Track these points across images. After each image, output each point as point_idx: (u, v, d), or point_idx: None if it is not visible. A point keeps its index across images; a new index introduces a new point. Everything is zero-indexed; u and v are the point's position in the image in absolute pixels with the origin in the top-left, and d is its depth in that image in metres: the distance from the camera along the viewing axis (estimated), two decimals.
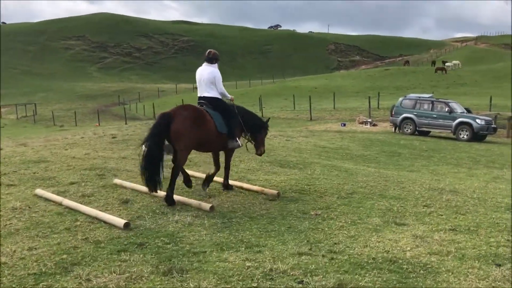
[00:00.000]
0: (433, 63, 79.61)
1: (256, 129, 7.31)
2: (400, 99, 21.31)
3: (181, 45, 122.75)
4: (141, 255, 4.20)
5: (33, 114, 51.47)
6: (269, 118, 8.25)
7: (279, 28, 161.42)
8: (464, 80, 59.44)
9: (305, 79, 74.04)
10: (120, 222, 5.02)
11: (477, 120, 18.30)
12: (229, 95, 7.02)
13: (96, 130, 19.32)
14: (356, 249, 4.52)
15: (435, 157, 13.22)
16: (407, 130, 19.90)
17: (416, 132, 19.84)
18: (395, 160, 12.31)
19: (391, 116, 20.93)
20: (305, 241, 4.78)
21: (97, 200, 6.23)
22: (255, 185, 7.40)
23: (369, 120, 27.20)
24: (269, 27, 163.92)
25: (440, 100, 20.17)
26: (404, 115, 20.04)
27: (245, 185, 7.24)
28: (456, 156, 13.74)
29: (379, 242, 4.75)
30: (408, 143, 16.12)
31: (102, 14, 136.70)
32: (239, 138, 6.95)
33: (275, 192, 6.78)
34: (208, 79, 6.82)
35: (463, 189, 8.09)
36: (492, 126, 18.87)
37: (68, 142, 13.03)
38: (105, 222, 5.18)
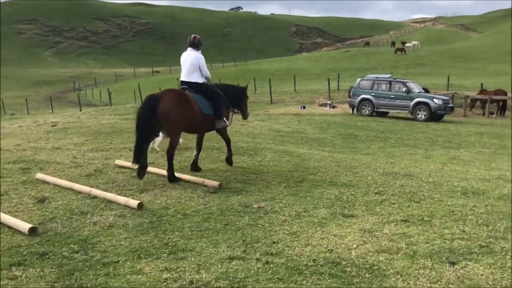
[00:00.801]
0: (393, 44, 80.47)
1: (239, 99, 7.64)
2: (358, 80, 20.97)
3: (140, 28, 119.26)
4: (39, 269, 3.51)
5: None
6: (247, 84, 9.08)
7: (240, 10, 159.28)
8: (422, 60, 60.29)
9: (267, 61, 73.39)
10: (25, 227, 4.29)
11: (434, 100, 18.17)
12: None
13: (37, 118, 18.12)
14: (296, 248, 3.99)
15: (392, 139, 12.92)
16: (365, 112, 19.61)
17: (374, 113, 19.61)
18: (350, 143, 11.91)
19: (349, 98, 20.60)
20: (241, 241, 4.20)
21: (10, 199, 5.45)
22: (197, 175, 6.77)
23: (329, 102, 26.90)
24: (230, 9, 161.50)
25: (397, 80, 19.93)
26: (362, 96, 19.72)
27: (185, 176, 6.59)
28: (413, 137, 13.49)
29: (322, 239, 4.23)
30: (365, 124, 15.80)
31: None
32: (226, 118, 7.24)
33: (216, 183, 6.17)
34: (192, 64, 7.05)
35: (418, 172, 7.71)
36: (450, 105, 18.80)
37: (2, 132, 11.97)
38: (9, 227, 4.43)
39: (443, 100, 18.65)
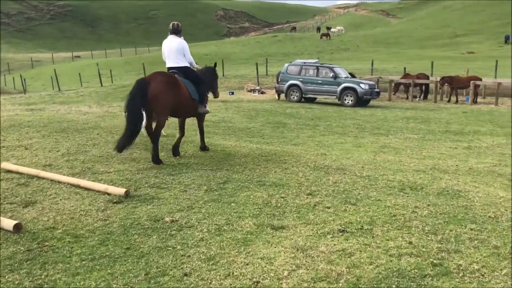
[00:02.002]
0: (318, 29, 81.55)
1: (212, 80, 7.99)
2: (286, 65, 20.43)
3: (58, 10, 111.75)
4: None
5: None
6: (216, 62, 8.88)
7: None
8: (347, 45, 61.56)
9: (195, 46, 71.39)
10: None
11: (361, 85, 18.04)
12: (196, 64, 7.60)
13: None
14: (213, 282, 3.14)
15: (320, 126, 12.44)
16: (294, 98, 19.16)
17: (303, 100, 19.22)
18: (279, 132, 11.25)
19: (277, 83, 20.02)
20: (143, 274, 3.29)
21: None
22: (100, 181, 5.71)
23: (257, 88, 26.30)
24: None
25: (324, 65, 19.62)
26: (290, 82, 19.24)
27: (83, 183, 5.51)
28: (341, 123, 13.12)
29: (247, 264, 3.42)
30: (294, 111, 15.28)
31: None
32: (207, 104, 7.66)
33: (122, 190, 5.16)
34: (177, 49, 7.27)
35: (351, 165, 7.15)
36: (376, 90, 18.80)
37: None
38: None
39: (369, 85, 18.58)
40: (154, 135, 6.77)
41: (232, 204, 4.94)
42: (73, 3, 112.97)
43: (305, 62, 20.21)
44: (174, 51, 7.25)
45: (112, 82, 35.80)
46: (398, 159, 8.03)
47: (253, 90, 25.48)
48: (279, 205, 4.90)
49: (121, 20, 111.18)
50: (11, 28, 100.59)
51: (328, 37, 67.05)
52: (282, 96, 20.40)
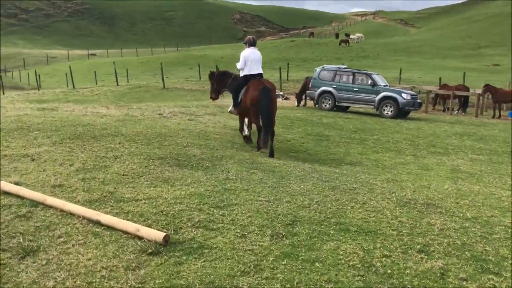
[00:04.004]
0: (336, 35, 79.93)
1: None
2: (318, 70, 18.88)
3: (75, 8, 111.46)
4: None
5: None
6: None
7: None
8: (366, 52, 59.95)
9: (210, 48, 70.39)
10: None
11: (402, 95, 16.44)
12: None
13: None
14: None
15: (369, 141, 10.90)
16: (325, 106, 17.61)
17: (335, 108, 17.68)
18: (325, 146, 9.73)
19: (309, 90, 18.47)
20: None
21: None
22: (127, 214, 4.23)
23: (281, 93, 24.80)
24: None
25: (362, 71, 18.06)
26: (323, 88, 17.70)
27: (105, 218, 4.02)
28: (390, 138, 11.56)
29: None
30: (332, 121, 13.74)
31: None
32: None
33: (159, 235, 3.67)
34: (259, 60, 8.75)
35: (439, 198, 5.63)
36: (418, 101, 17.20)
37: None
38: None
39: (411, 95, 16.99)
40: (270, 135, 8.13)
41: (317, 264, 3.44)
42: (90, 2, 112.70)
43: (339, 68, 18.66)
44: (258, 61, 8.70)
45: (127, 82, 34.56)
46: (487, 191, 6.47)
47: (277, 96, 24.00)
48: (388, 271, 3.38)
49: (137, 20, 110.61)
50: (29, 24, 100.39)
51: (347, 43, 65.57)
52: (300, 102, 19.09)
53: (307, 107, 18.84)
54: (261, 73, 8.69)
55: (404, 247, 3.87)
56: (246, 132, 9.21)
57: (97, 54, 72.96)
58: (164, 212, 4.36)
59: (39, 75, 38.35)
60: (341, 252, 3.68)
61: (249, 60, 8.58)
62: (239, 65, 8.75)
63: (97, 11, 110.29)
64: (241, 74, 8.81)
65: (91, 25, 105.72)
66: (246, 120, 9.20)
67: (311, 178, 6.17)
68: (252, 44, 8.74)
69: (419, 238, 4.07)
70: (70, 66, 37.54)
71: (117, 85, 31.54)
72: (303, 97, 19.37)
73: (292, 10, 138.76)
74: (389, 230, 4.26)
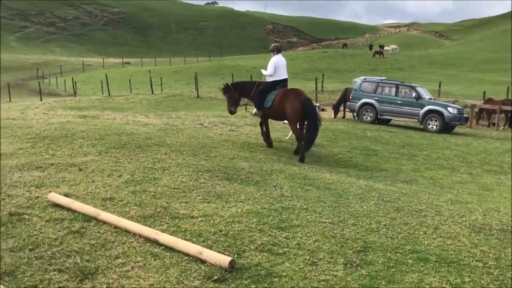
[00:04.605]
0: (370, 46, 78.95)
1: None
2: (359, 81, 18.39)
3: (111, 17, 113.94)
4: None
5: None
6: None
7: (216, 5, 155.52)
8: (401, 64, 58.88)
9: (243, 58, 70.53)
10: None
11: (448, 109, 15.78)
12: None
13: None
14: None
15: (418, 157, 10.38)
16: (367, 118, 17.09)
17: (376, 121, 17.13)
18: (374, 162, 9.28)
19: (349, 101, 18.00)
20: None
21: None
22: (185, 233, 3.93)
23: (317, 104, 24.33)
24: (206, 3, 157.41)
25: (405, 84, 17.48)
26: (364, 100, 17.21)
27: (163, 238, 3.72)
28: (441, 154, 11.00)
29: None
30: (376, 135, 13.25)
31: None
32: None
33: (225, 260, 3.35)
34: (285, 65, 9.22)
35: None
36: (464, 115, 16.50)
37: None
38: None
39: (457, 109, 16.30)
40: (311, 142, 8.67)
41: None
42: (126, 11, 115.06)
43: (382, 79, 18.13)
44: (284, 67, 9.14)
45: (161, 91, 34.82)
46: None
47: None
48: None
49: (171, 30, 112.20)
50: (66, 33, 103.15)
51: (382, 55, 64.57)
52: (337, 114, 18.62)
53: (346, 119, 18.37)
54: (287, 78, 9.18)
55: (496, 283, 3.43)
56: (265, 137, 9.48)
57: (131, 63, 74.16)
58: (223, 232, 4.04)
59: (75, 82, 39.06)
60: (427, 286, 3.28)
61: (278, 66, 8.98)
62: (268, 71, 9.06)
63: (132, 21, 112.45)
64: (269, 79, 9.15)
65: (126, 34, 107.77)
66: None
67: (371, 198, 5.76)
68: (279, 51, 9.26)
69: (510, 272, 3.62)
70: (106, 74, 38.10)
71: (152, 93, 31.76)
72: (341, 108, 18.92)
73: (324, 21, 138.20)
74: (472, 261, 3.82)
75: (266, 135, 9.39)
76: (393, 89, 17.08)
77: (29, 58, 74.89)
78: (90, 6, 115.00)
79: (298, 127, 8.66)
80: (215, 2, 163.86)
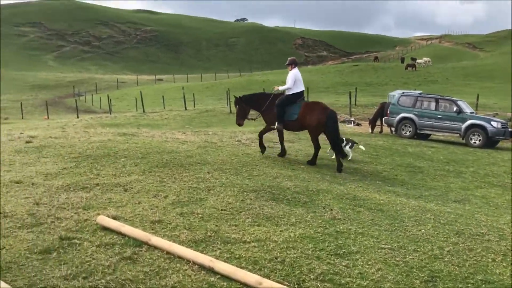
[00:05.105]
0: (402, 59, 77.83)
1: None
2: (397, 95, 17.99)
3: (144, 35, 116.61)
4: None
5: None
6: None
7: (245, 22, 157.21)
8: (435, 77, 57.70)
9: (273, 73, 70.65)
10: None
11: (492, 123, 15.21)
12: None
13: (13, 131, 15.11)
14: None
15: (466, 174, 9.94)
16: (406, 133, 16.65)
17: (415, 136, 16.65)
18: (421, 180, 8.92)
19: (386, 116, 17.60)
20: None
21: None
22: (239, 260, 3.75)
23: (352, 119, 24.02)
24: (235, 20, 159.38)
25: (446, 97, 16.99)
26: (402, 114, 16.79)
27: (219, 266, 3.55)
28: (488, 171, 10.52)
29: None
30: (418, 150, 12.83)
31: (59, 0, 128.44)
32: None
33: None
34: (301, 78, 9.51)
35: None
36: (509, 130, 15.84)
37: None
38: None
39: (501, 123, 15.68)
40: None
41: None
42: (159, 29, 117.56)
43: (421, 93, 17.69)
44: (301, 79, 9.44)
45: (194, 106, 35.10)
46: None
47: (348, 121, 23.22)
48: None
49: (202, 47, 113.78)
50: (101, 51, 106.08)
51: (414, 68, 63.46)
52: (374, 128, 18.20)
53: (384, 133, 17.95)
54: (303, 90, 9.53)
55: None
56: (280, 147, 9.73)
57: (163, 79, 75.40)
58: (279, 259, 3.84)
59: (110, 99, 39.84)
60: None
61: (298, 79, 9.26)
62: (289, 84, 9.26)
63: (165, 39, 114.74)
64: (289, 92, 9.35)
65: (158, 52, 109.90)
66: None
67: (427, 220, 5.46)
68: (296, 64, 9.54)
69: None
70: (141, 91, 38.78)
71: (185, 109, 32.03)
72: (378, 123, 18.54)
73: (354, 34, 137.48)
74: None
75: (281, 146, 9.59)
76: (433, 103, 16.61)
77: (65, 76, 77.16)
78: (124, 25, 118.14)
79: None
80: (245, 18, 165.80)
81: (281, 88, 9.61)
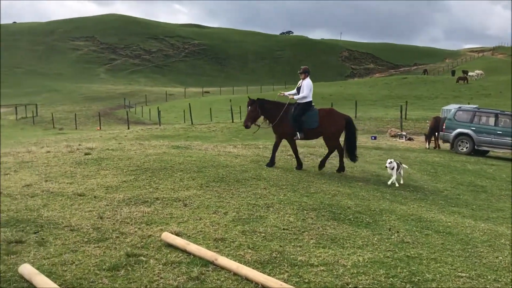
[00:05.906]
0: (453, 72, 75.45)
1: None
2: (453, 110, 17.35)
3: (192, 49, 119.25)
4: None
5: (33, 115, 47.84)
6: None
7: (291, 34, 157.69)
8: (488, 90, 55.40)
9: (318, 85, 70.21)
10: None
11: None
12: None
13: (71, 143, 15.62)
14: None
15: None
16: (462, 149, 15.98)
17: (472, 152, 15.95)
18: (486, 200, 8.46)
19: (442, 131, 16.97)
20: None
21: None
22: (309, 285, 3.60)
23: (404, 133, 23.32)
24: (281, 33, 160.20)
25: (506, 112, 16.23)
26: (459, 130, 16.14)
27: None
28: None
29: None
30: (478, 168, 12.25)
31: (111, 15, 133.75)
32: None
33: None
34: None
35: None
36: None
37: (23, 159, 9.31)
38: None
39: None
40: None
41: None
42: (206, 42, 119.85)
43: (479, 108, 16.98)
44: None
45: (240, 119, 35.27)
46: None
47: (399, 136, 22.58)
48: None
49: (248, 60, 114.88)
50: (150, 64, 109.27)
51: (466, 81, 61.23)
52: (429, 143, 17.56)
53: (441, 149, 17.29)
54: None
55: None
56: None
57: (210, 92, 76.51)
58: (351, 286, 3.66)
59: (159, 111, 40.73)
60: None
61: (312, 88, 9.33)
62: (305, 93, 9.14)
63: (212, 52, 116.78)
64: (304, 100, 9.21)
65: (205, 64, 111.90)
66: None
67: (502, 246, 5.11)
68: (309, 73, 9.39)
69: None
70: (189, 104, 39.44)
71: (232, 122, 32.24)
72: (432, 138, 17.91)
73: (401, 46, 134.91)
74: None
75: (296, 156, 9.50)
76: (492, 119, 15.88)
77: (116, 88, 79.79)
78: (173, 39, 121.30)
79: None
80: (290, 31, 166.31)
81: (295, 97, 9.34)
